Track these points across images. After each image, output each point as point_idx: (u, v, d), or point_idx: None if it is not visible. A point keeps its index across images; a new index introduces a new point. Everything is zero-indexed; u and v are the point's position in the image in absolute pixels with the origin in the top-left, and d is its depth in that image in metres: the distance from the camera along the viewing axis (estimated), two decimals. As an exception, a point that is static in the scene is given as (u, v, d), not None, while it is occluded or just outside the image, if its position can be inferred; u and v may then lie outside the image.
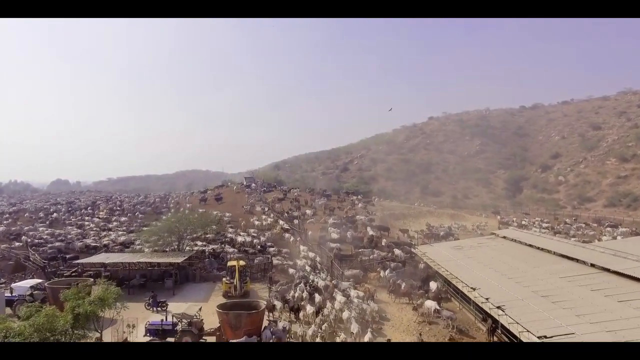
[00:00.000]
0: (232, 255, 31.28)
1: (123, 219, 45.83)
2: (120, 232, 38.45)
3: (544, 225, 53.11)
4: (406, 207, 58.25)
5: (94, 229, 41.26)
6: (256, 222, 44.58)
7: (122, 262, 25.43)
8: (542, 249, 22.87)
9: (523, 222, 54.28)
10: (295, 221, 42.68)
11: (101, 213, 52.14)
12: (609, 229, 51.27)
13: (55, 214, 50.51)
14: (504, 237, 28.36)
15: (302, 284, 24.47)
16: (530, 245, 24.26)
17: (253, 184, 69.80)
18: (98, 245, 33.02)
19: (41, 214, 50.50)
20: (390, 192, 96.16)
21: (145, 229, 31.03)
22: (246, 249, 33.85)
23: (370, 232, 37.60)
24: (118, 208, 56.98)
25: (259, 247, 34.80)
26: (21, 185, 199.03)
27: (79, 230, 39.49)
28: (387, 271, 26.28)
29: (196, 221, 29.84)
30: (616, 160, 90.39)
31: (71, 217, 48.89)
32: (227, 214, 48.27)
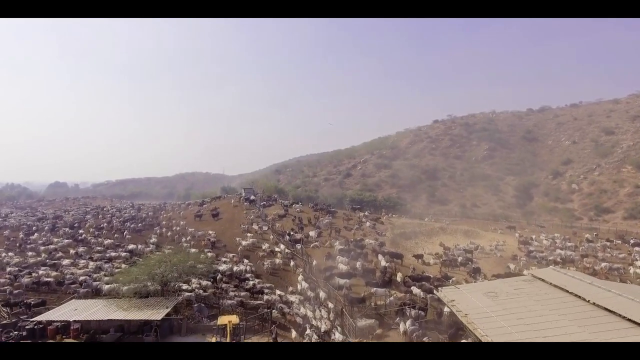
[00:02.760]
0: (196, 293, 26.94)
1: (107, 241, 41.58)
2: (82, 263, 33.82)
3: (568, 244, 49.04)
4: (417, 224, 54.11)
5: (58, 254, 36.63)
6: (243, 243, 40.62)
7: (91, 320, 21.20)
8: (597, 305, 18.73)
9: (544, 241, 50.12)
10: (298, 245, 38.54)
11: (81, 230, 48.02)
12: (637, 248, 47.18)
13: (35, 234, 46.42)
14: (543, 280, 24.18)
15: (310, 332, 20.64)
16: (581, 298, 20.11)
17: (252, 196, 65.61)
18: (51, 280, 28.40)
19: (21, 234, 46.41)
20: (395, 200, 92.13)
21: (120, 271, 26.54)
22: (224, 286, 28.84)
23: (383, 263, 33.45)
24: (106, 224, 52.90)
25: (236, 281, 30.43)
26: (18, 189, 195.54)
27: (40, 258, 34.76)
28: (409, 323, 22.15)
29: (180, 262, 25.29)
30: (632, 168, 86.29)
31: (52, 237, 44.63)
32: (210, 232, 44.27)
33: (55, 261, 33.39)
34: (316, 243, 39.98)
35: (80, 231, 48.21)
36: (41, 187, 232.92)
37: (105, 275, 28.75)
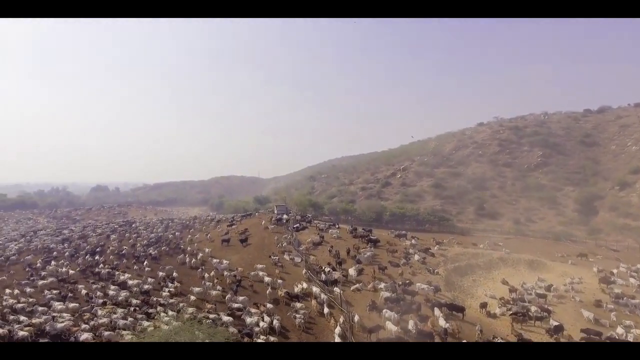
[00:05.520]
0: None
1: (124, 277, 37.19)
2: (71, 308, 29.18)
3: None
4: (472, 254, 46.87)
5: (49, 295, 32.21)
6: (265, 279, 35.43)
7: None
8: None
9: (630, 279, 41.60)
10: (336, 289, 32.60)
11: (101, 258, 44.19)
12: None
13: (53, 262, 43.19)
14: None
15: None
16: None
17: (285, 215, 60.40)
18: (25, 335, 23.31)
19: (39, 262, 43.32)
20: (440, 214, 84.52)
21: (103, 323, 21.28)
22: None
23: (442, 322, 26.87)
24: (129, 248, 49.24)
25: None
26: (61, 193, 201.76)
27: (32, 300, 30.37)
28: None
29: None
30: None
31: (64, 267, 40.95)
32: (225, 262, 39.18)
33: (43, 307, 29.00)
34: (357, 285, 33.93)
35: (99, 258, 44.61)
36: (86, 188, 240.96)
37: (84, 331, 24.08)
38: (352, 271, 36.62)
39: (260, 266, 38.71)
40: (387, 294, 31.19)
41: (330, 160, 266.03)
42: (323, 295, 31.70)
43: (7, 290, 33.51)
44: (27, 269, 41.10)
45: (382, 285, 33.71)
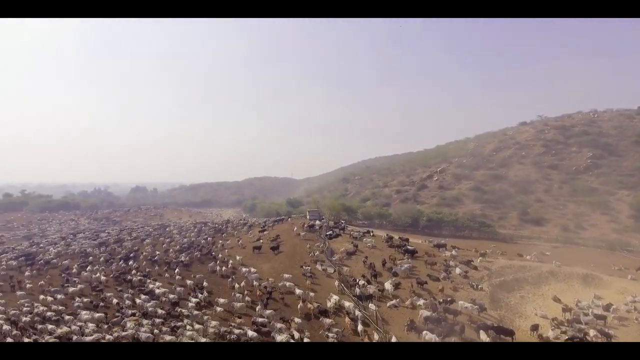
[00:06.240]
0: None
1: (154, 286, 36.68)
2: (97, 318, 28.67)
3: None
4: (519, 267, 43.35)
5: (76, 303, 32.13)
6: (297, 291, 33.71)
7: None
8: None
9: None
10: (372, 306, 30.50)
11: (134, 263, 44.15)
12: None
13: (89, 267, 43.59)
14: None
15: None
16: None
17: (317, 221, 58.75)
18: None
19: (75, 268, 43.80)
20: (480, 220, 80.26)
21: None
22: None
23: (489, 349, 24.26)
24: (162, 253, 49.16)
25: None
26: (103, 194, 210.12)
27: (62, 307, 30.18)
28: None
29: None
30: None
31: (98, 273, 41.09)
32: (255, 277, 37.84)
33: (69, 315, 28.74)
34: (394, 302, 31.66)
35: (132, 264, 44.64)
36: (127, 188, 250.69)
37: None
38: (388, 285, 34.36)
39: (287, 276, 37.16)
40: (427, 313, 28.78)
41: (363, 161, 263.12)
42: (357, 312, 29.74)
43: (41, 297, 33.67)
44: (63, 275, 41.56)
45: (421, 302, 31.32)
